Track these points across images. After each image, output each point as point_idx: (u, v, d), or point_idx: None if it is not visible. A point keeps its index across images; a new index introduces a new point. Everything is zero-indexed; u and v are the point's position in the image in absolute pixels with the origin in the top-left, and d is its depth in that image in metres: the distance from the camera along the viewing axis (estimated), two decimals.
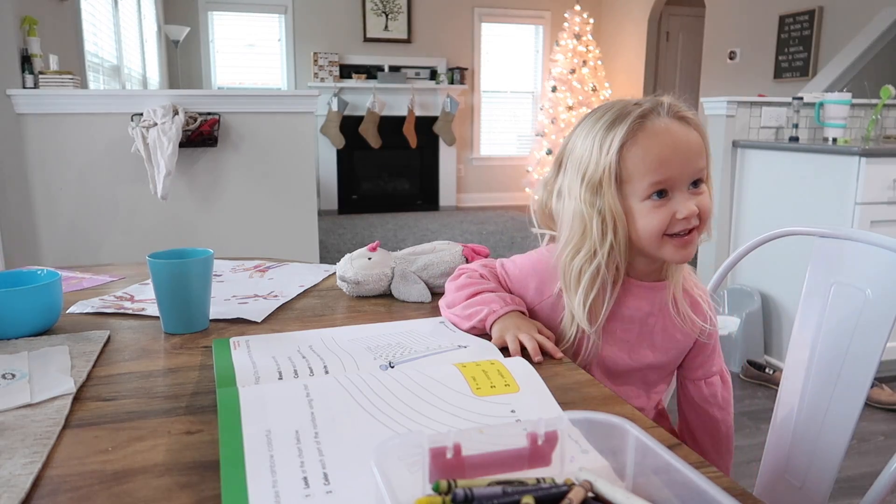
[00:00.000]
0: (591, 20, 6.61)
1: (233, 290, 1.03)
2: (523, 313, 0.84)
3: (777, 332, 2.71)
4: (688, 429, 0.94)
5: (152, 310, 0.90)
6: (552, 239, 0.88)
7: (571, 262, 0.80)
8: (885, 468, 0.79)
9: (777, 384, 1.03)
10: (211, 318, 0.87)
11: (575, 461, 0.47)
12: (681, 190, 0.77)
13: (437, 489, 0.42)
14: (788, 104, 2.86)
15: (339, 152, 6.53)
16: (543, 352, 0.76)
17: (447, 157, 6.92)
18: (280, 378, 0.66)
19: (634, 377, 0.89)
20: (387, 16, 6.65)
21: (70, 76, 2.60)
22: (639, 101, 0.79)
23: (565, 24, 6.60)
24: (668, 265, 0.84)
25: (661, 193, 0.77)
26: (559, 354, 0.76)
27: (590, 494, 0.43)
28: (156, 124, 2.49)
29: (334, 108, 6.32)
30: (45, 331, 0.84)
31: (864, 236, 0.92)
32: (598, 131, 0.78)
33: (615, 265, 0.80)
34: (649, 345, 0.87)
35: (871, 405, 2.29)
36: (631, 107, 0.78)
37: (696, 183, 0.78)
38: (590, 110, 0.84)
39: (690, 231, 0.78)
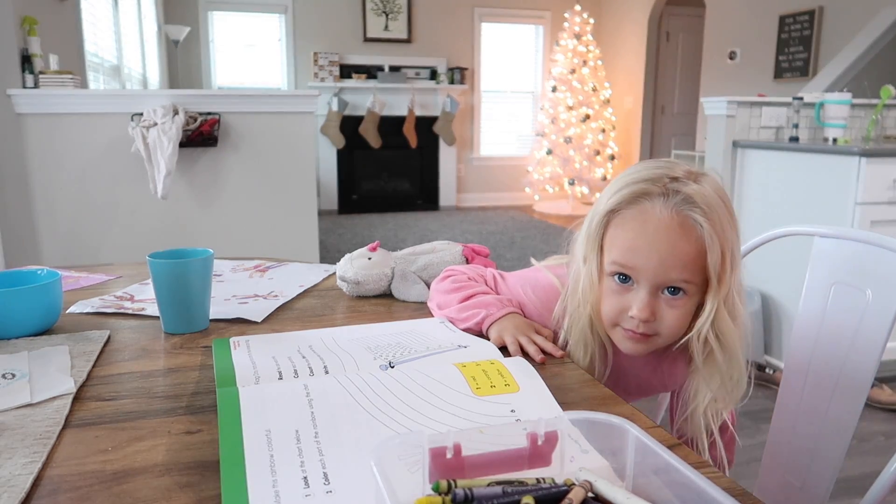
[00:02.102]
0: (592, 20, 6.61)
1: (233, 290, 1.03)
2: (521, 314, 0.84)
3: (777, 332, 2.71)
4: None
5: (152, 310, 0.90)
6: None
7: (573, 312, 0.78)
8: (885, 468, 0.79)
9: (777, 384, 1.03)
10: (211, 317, 0.87)
11: (575, 461, 0.47)
12: (646, 289, 0.70)
13: (436, 489, 0.42)
14: (788, 104, 2.86)
15: (339, 152, 6.53)
16: (545, 352, 0.76)
17: (447, 157, 6.93)
18: (280, 378, 0.66)
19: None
20: (387, 16, 6.65)
21: (70, 76, 2.60)
22: (664, 178, 0.70)
23: (565, 24, 6.60)
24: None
25: (624, 278, 0.72)
26: (559, 353, 0.76)
27: (590, 494, 0.43)
28: (156, 124, 2.49)
29: (334, 107, 6.32)
30: (45, 331, 0.84)
31: (865, 236, 0.92)
32: (612, 185, 0.74)
33: (599, 336, 0.77)
34: (651, 387, 0.86)
35: (871, 405, 2.29)
36: (649, 179, 0.70)
37: (674, 291, 0.70)
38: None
39: (644, 333, 0.71)
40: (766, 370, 2.52)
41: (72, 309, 0.93)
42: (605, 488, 0.43)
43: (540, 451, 0.46)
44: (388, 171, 6.83)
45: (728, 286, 0.69)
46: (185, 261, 0.84)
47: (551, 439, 0.46)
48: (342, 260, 1.02)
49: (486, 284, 0.89)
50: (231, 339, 0.78)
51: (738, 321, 0.71)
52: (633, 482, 0.46)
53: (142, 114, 2.54)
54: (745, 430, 2.13)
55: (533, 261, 0.92)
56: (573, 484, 0.44)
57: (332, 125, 6.36)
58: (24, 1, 2.62)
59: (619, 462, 0.47)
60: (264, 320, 0.89)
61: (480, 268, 0.94)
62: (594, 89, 6.50)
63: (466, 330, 0.82)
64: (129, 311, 0.92)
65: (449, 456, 0.43)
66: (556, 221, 6.01)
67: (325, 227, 5.48)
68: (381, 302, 0.99)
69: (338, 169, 6.58)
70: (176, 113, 2.53)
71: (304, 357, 0.72)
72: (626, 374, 0.82)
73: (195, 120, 2.59)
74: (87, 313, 0.92)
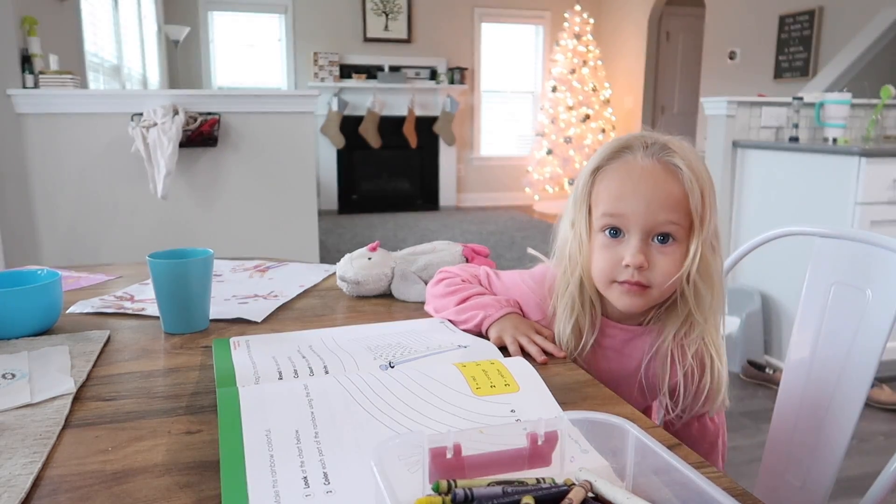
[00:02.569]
0: (592, 20, 6.61)
1: (233, 290, 1.03)
2: (520, 314, 0.84)
3: (777, 332, 2.71)
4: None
5: (152, 310, 0.90)
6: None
7: (559, 281, 0.79)
8: (885, 468, 0.79)
9: (777, 384, 1.03)
10: (211, 317, 0.87)
11: (575, 461, 0.47)
12: (637, 236, 0.72)
13: (436, 489, 0.42)
14: (788, 104, 2.86)
15: (339, 152, 6.53)
16: (546, 352, 0.76)
17: (447, 157, 6.93)
18: (280, 378, 0.66)
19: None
20: (387, 16, 6.65)
21: (70, 76, 2.61)
22: (649, 134, 0.76)
23: (565, 24, 6.60)
24: (659, 312, 0.79)
25: (615, 232, 0.73)
26: (561, 353, 0.76)
27: (590, 494, 0.43)
28: (156, 124, 2.49)
29: (334, 107, 6.32)
30: (46, 331, 0.84)
31: (865, 236, 0.92)
32: (594, 156, 0.78)
33: (589, 299, 0.78)
34: (634, 385, 0.82)
35: (871, 405, 2.29)
36: (630, 136, 0.76)
37: (663, 238, 0.72)
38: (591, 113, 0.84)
39: (638, 283, 0.72)
40: (766, 370, 2.52)
41: (72, 309, 0.93)
42: (604, 488, 0.43)
43: (540, 451, 0.46)
44: (388, 171, 6.83)
45: (708, 228, 0.72)
46: (185, 261, 0.84)
47: (551, 439, 0.46)
48: (342, 260, 1.02)
49: (481, 284, 0.89)
50: (231, 339, 0.78)
51: (718, 258, 0.75)
52: (634, 482, 0.46)
53: (142, 114, 2.54)
54: (745, 430, 2.13)
55: (530, 250, 0.92)
56: (573, 484, 0.44)
57: (332, 125, 6.36)
58: (24, 1, 2.62)
59: (619, 462, 0.47)
60: (264, 320, 0.89)
61: (473, 267, 0.94)
62: (594, 89, 6.50)
63: (466, 332, 0.82)
64: (129, 311, 0.92)
65: (449, 456, 0.43)
66: (556, 221, 6.00)
67: (325, 227, 5.48)
68: (381, 302, 0.99)
69: (338, 169, 6.58)
70: (176, 113, 2.53)
71: (304, 357, 0.72)
72: (604, 352, 0.81)
73: (195, 120, 2.59)
74: (87, 313, 0.92)
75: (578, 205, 0.77)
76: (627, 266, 0.72)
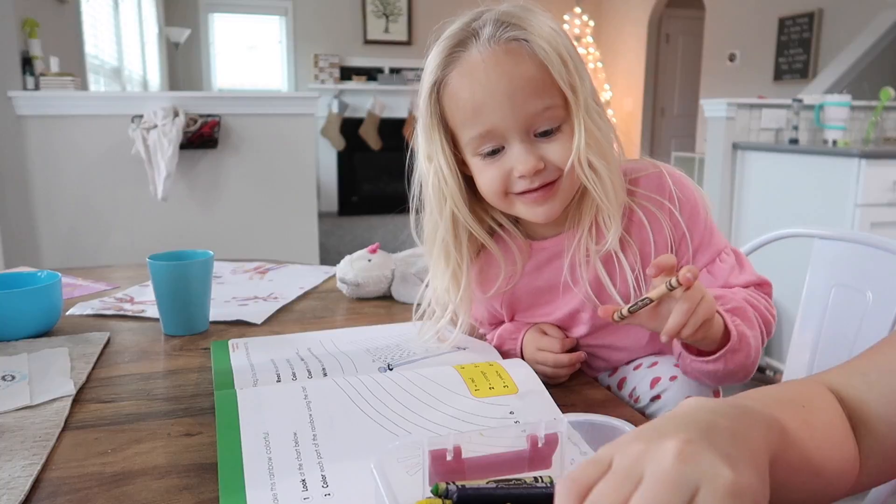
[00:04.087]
0: (592, 22, 6.62)
1: (233, 292, 1.03)
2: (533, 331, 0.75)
3: (777, 334, 2.71)
4: None
5: (152, 311, 0.90)
6: None
7: (425, 229, 0.70)
8: None
9: None
10: (211, 319, 0.87)
11: (575, 464, 0.47)
12: (516, 141, 0.62)
13: (436, 492, 0.42)
14: (788, 106, 2.87)
15: (339, 154, 6.53)
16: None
17: None
18: (278, 380, 0.66)
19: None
20: (387, 18, 6.66)
21: (71, 78, 2.61)
22: (474, 16, 0.63)
23: (565, 27, 6.60)
24: (572, 207, 0.68)
25: (491, 151, 0.63)
26: (581, 356, 0.71)
27: None
28: (156, 126, 2.49)
29: (334, 109, 6.32)
30: (45, 332, 0.84)
31: (865, 238, 0.92)
32: (426, 64, 0.64)
33: (468, 236, 0.67)
34: (574, 317, 0.72)
35: None
36: (457, 29, 0.63)
37: (545, 132, 0.62)
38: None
39: (542, 187, 0.63)
40: (767, 372, 2.52)
41: (72, 311, 0.93)
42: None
43: (540, 453, 0.46)
44: (389, 173, 6.83)
45: (583, 94, 0.62)
46: (185, 263, 0.84)
47: (551, 441, 0.46)
48: (342, 262, 1.02)
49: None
50: (230, 342, 0.78)
51: (604, 121, 0.65)
52: None
53: (142, 116, 2.54)
54: None
55: None
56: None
57: (332, 127, 6.36)
58: (24, 3, 2.62)
59: None
60: (264, 322, 0.89)
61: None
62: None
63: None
64: (129, 313, 0.92)
65: (449, 458, 0.43)
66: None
67: (326, 228, 5.48)
68: (381, 304, 0.99)
69: (338, 171, 6.58)
70: (176, 115, 2.53)
71: (302, 359, 0.72)
72: (533, 275, 0.72)
73: (195, 122, 2.59)
74: (87, 315, 0.92)
75: (429, 132, 0.65)
76: (522, 177, 0.62)
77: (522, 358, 0.72)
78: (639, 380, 0.72)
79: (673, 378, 0.68)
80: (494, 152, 0.64)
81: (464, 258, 0.69)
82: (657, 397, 0.68)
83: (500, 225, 0.72)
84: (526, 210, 0.65)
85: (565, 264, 0.69)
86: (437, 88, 0.64)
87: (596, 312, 0.64)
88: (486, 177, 0.65)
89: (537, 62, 0.61)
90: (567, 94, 0.62)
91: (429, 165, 0.67)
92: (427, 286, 0.75)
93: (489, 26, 0.62)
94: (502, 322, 0.78)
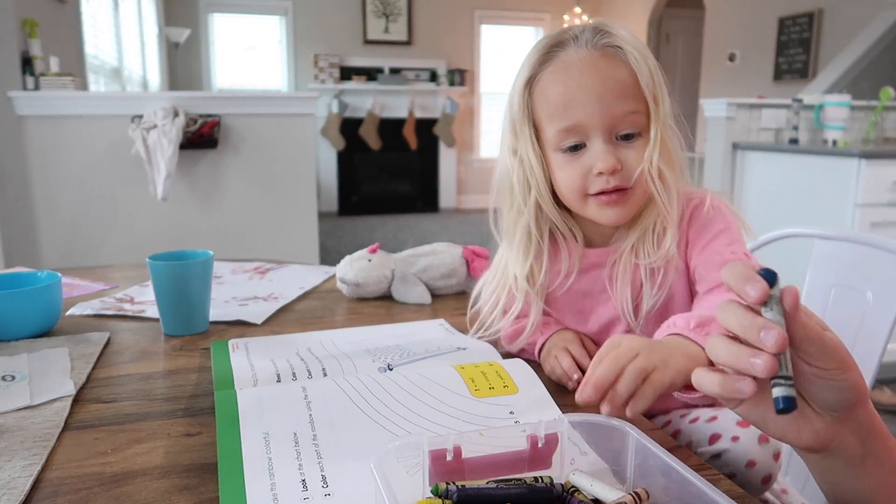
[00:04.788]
0: None
1: (233, 292, 1.03)
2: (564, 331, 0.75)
3: None
4: None
5: (152, 312, 0.90)
6: None
7: (502, 220, 0.72)
8: None
9: None
10: (211, 319, 0.87)
11: (575, 464, 0.47)
12: (600, 139, 0.65)
13: (436, 492, 0.42)
14: (788, 106, 2.87)
15: (339, 154, 6.53)
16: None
17: (447, 159, 6.93)
18: (278, 380, 0.66)
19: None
20: (387, 18, 6.66)
21: (70, 78, 2.61)
22: (573, 26, 0.68)
23: (565, 27, 6.61)
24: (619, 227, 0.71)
25: (576, 147, 0.66)
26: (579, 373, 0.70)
27: (590, 497, 0.42)
28: (156, 126, 2.50)
29: (334, 109, 6.32)
30: (45, 332, 0.84)
31: (865, 238, 0.92)
32: (520, 69, 0.68)
33: (550, 226, 0.70)
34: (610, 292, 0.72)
35: None
36: (555, 33, 0.67)
37: (626, 136, 0.65)
38: None
39: (616, 190, 0.65)
40: None
41: (72, 311, 0.93)
42: (602, 490, 0.43)
43: (540, 453, 0.46)
44: (389, 173, 6.83)
45: (664, 107, 0.66)
46: (184, 263, 0.84)
47: (551, 441, 0.46)
48: (342, 262, 1.02)
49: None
50: (230, 342, 0.78)
51: (676, 137, 0.68)
52: (634, 484, 0.46)
53: (142, 116, 2.54)
54: None
55: None
56: (573, 487, 0.43)
57: (332, 127, 6.36)
58: (24, 3, 2.62)
59: (619, 464, 0.47)
60: (264, 322, 0.89)
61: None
62: None
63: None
64: (129, 313, 0.92)
65: (449, 458, 0.43)
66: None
67: (325, 228, 5.48)
68: (381, 304, 0.99)
69: (338, 171, 6.59)
70: (176, 115, 2.53)
71: (302, 360, 0.72)
72: (582, 287, 0.73)
73: (195, 122, 2.59)
74: (87, 315, 0.92)
75: (518, 127, 0.68)
76: (600, 174, 0.65)
77: (540, 351, 0.73)
78: (696, 434, 0.66)
79: (735, 438, 0.62)
80: (576, 148, 0.66)
81: (545, 244, 0.71)
82: (717, 456, 0.62)
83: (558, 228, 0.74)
84: (597, 212, 0.67)
85: (607, 274, 0.72)
86: (531, 84, 0.67)
87: (629, 328, 0.69)
88: (567, 173, 0.67)
89: (629, 69, 0.65)
90: (650, 104, 0.65)
91: (513, 158, 0.69)
92: (485, 283, 0.78)
93: (588, 32, 0.66)
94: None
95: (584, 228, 0.73)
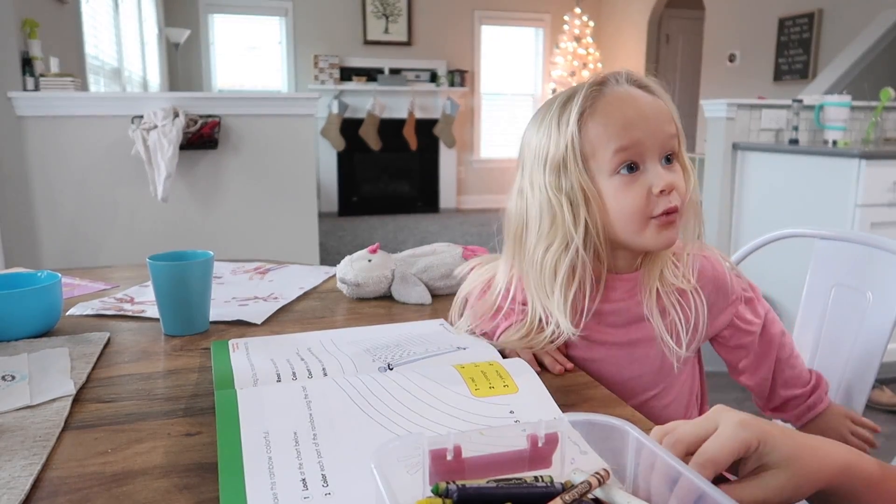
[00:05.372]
0: (591, 23, 6.62)
1: (233, 292, 1.03)
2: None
3: None
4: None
5: (152, 312, 0.90)
6: None
7: (544, 259, 0.72)
8: None
9: None
10: (211, 319, 0.87)
11: (575, 463, 0.47)
12: (653, 161, 0.69)
13: (436, 491, 0.42)
14: (788, 107, 2.87)
15: (339, 155, 6.54)
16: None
17: (447, 160, 6.93)
18: (278, 380, 0.66)
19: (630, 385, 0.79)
20: (387, 18, 6.66)
21: (71, 78, 2.61)
22: (604, 73, 0.73)
23: (565, 27, 6.61)
24: (646, 254, 0.75)
25: (631, 168, 0.69)
26: (569, 365, 0.74)
27: (590, 496, 0.42)
28: (156, 126, 2.50)
29: (335, 110, 6.32)
30: (45, 332, 0.84)
31: (865, 238, 0.92)
32: (552, 115, 0.72)
33: (595, 254, 0.72)
34: (634, 350, 0.77)
35: (871, 407, 2.28)
36: (581, 86, 0.72)
37: (668, 159, 0.70)
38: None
39: (672, 211, 0.69)
40: None
41: (72, 311, 0.93)
42: (604, 491, 0.43)
43: (540, 452, 0.46)
44: (389, 174, 6.83)
45: (684, 146, 0.73)
46: (185, 263, 0.84)
47: (552, 441, 0.46)
48: (342, 262, 1.02)
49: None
50: (230, 342, 0.78)
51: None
52: (634, 484, 0.46)
53: (142, 116, 2.54)
54: None
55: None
56: (571, 485, 0.43)
57: (332, 128, 6.36)
58: (24, 4, 2.62)
59: (619, 464, 0.47)
60: (264, 322, 0.89)
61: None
62: None
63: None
64: (129, 314, 0.92)
65: (449, 458, 0.43)
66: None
67: (326, 229, 5.48)
68: (381, 304, 0.99)
69: (338, 171, 6.59)
70: (176, 115, 2.53)
71: (302, 359, 0.72)
72: (607, 318, 0.76)
73: (195, 122, 2.59)
74: (87, 315, 0.92)
75: (565, 164, 0.70)
76: (661, 192, 0.68)
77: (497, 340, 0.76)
78: None
79: None
80: (631, 170, 0.69)
81: (588, 273, 0.73)
82: None
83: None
84: (655, 235, 0.70)
85: (638, 298, 0.76)
86: (582, 118, 0.70)
87: (647, 369, 0.77)
88: (629, 196, 0.69)
89: (663, 103, 0.72)
90: (679, 132, 0.72)
91: (558, 195, 0.71)
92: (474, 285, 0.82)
93: (622, 74, 0.72)
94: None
95: (611, 257, 0.76)
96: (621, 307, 0.76)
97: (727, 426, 0.44)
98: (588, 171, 0.71)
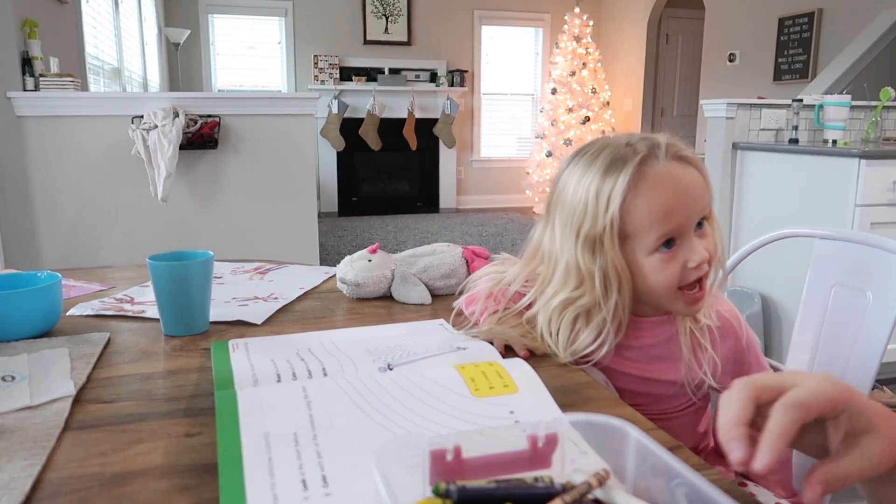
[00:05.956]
0: (591, 22, 6.61)
1: (233, 292, 1.03)
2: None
3: (777, 334, 2.71)
4: None
5: (152, 312, 0.90)
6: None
7: (563, 312, 0.74)
8: None
9: None
10: (211, 320, 0.87)
11: (575, 463, 0.47)
12: (688, 236, 0.72)
13: (436, 492, 0.42)
14: (788, 106, 2.87)
15: (339, 154, 6.54)
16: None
17: (447, 160, 6.93)
18: (278, 380, 0.66)
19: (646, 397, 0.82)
20: (387, 18, 6.66)
21: (70, 78, 2.61)
22: (632, 142, 0.73)
23: (565, 27, 6.60)
24: None
25: (669, 243, 0.72)
26: (541, 351, 0.76)
27: (590, 496, 0.42)
28: (156, 126, 2.50)
29: (334, 110, 6.32)
30: (45, 333, 0.84)
31: (865, 238, 0.92)
32: (593, 180, 0.72)
33: (618, 320, 0.75)
34: (657, 371, 0.80)
35: None
36: (624, 149, 0.72)
37: (699, 223, 0.73)
38: (578, 148, 0.78)
39: (701, 280, 0.73)
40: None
41: (72, 311, 0.93)
42: (604, 492, 0.43)
43: (540, 453, 0.46)
44: (388, 174, 6.84)
45: (713, 195, 0.75)
46: (185, 263, 0.84)
47: (552, 441, 0.46)
48: (342, 262, 1.02)
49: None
50: (230, 342, 0.78)
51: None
52: (634, 484, 0.46)
53: (142, 116, 2.54)
54: None
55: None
56: (571, 485, 0.43)
57: (332, 127, 6.36)
58: (24, 4, 2.62)
59: (619, 464, 0.47)
60: (264, 322, 0.89)
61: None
62: (594, 91, 6.50)
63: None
64: (129, 314, 0.92)
65: (449, 458, 0.43)
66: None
67: (325, 229, 5.48)
68: (381, 304, 0.99)
69: (338, 171, 6.59)
70: (176, 115, 2.53)
71: (302, 359, 0.72)
72: (632, 353, 0.79)
73: (195, 122, 2.59)
74: (87, 315, 0.92)
75: (608, 242, 0.71)
76: (697, 266, 0.71)
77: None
78: None
79: None
80: (670, 245, 0.72)
81: (613, 325, 0.75)
82: None
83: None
84: (685, 307, 0.74)
85: (664, 337, 0.79)
86: (624, 202, 0.71)
87: (663, 394, 0.79)
88: (666, 272, 0.72)
89: (699, 173, 0.73)
90: (711, 198, 0.74)
91: (593, 266, 0.73)
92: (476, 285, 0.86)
93: (661, 149, 0.72)
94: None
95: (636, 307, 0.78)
96: (644, 344, 0.79)
97: (816, 380, 0.42)
98: (624, 250, 0.73)
